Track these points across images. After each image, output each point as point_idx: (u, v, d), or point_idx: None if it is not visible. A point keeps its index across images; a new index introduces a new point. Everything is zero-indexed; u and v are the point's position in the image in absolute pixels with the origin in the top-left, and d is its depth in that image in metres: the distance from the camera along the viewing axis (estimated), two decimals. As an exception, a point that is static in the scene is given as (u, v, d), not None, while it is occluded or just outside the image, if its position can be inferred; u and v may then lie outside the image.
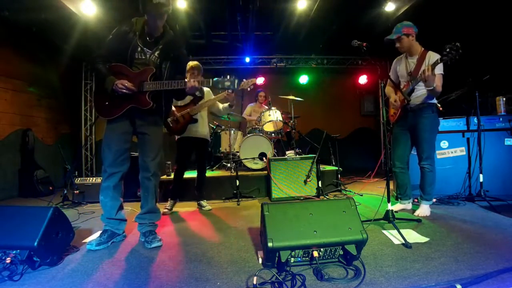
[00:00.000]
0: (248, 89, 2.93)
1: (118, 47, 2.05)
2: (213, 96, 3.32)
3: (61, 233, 1.86)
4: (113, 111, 2.07)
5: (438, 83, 2.54)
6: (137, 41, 2.06)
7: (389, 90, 2.94)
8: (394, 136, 2.93)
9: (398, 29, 2.67)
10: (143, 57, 2.09)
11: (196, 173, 3.43)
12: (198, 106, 3.17)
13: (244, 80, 3.16)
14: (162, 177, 4.12)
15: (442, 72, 2.56)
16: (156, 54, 2.12)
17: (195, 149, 3.32)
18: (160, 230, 2.51)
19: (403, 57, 2.84)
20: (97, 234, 2.22)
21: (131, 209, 3.42)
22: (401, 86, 2.82)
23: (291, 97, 5.04)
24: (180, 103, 3.19)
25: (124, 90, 1.98)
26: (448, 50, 2.24)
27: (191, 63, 3.10)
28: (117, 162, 2.12)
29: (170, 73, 2.17)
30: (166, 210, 3.22)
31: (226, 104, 3.34)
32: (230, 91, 3.04)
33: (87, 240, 2.26)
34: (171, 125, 3.11)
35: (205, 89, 3.36)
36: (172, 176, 4.10)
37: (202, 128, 3.30)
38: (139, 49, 2.07)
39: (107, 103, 2.07)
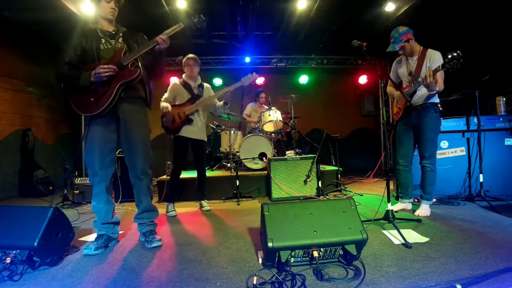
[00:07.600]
0: (248, 84, 3.12)
1: (83, 47, 2.09)
2: (213, 94, 3.31)
3: (61, 233, 1.86)
4: (102, 101, 2.01)
5: (440, 80, 2.53)
6: (99, 34, 2.13)
7: (391, 89, 2.94)
8: (398, 135, 2.92)
9: (397, 38, 2.64)
10: (109, 46, 2.13)
11: (196, 174, 3.41)
12: (194, 105, 3.15)
13: (251, 73, 3.19)
14: (161, 177, 4.12)
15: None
16: (120, 41, 2.18)
17: (193, 150, 3.27)
18: (160, 230, 2.51)
19: (403, 57, 2.84)
20: (94, 235, 2.19)
21: (131, 209, 3.43)
22: (403, 86, 2.82)
23: (292, 96, 5.03)
24: (177, 102, 3.18)
25: (106, 72, 1.96)
26: (450, 58, 2.23)
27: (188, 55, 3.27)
28: (106, 162, 2.09)
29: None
30: (172, 212, 3.12)
31: (221, 102, 3.30)
32: (228, 89, 3.08)
33: (84, 239, 2.25)
34: (166, 124, 3.11)
35: (205, 85, 3.35)
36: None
37: (199, 129, 3.22)
38: (103, 40, 2.13)
39: (92, 99, 2.03)
